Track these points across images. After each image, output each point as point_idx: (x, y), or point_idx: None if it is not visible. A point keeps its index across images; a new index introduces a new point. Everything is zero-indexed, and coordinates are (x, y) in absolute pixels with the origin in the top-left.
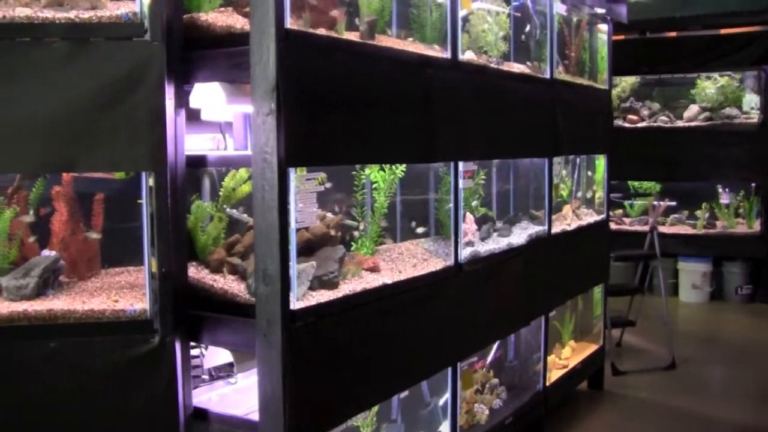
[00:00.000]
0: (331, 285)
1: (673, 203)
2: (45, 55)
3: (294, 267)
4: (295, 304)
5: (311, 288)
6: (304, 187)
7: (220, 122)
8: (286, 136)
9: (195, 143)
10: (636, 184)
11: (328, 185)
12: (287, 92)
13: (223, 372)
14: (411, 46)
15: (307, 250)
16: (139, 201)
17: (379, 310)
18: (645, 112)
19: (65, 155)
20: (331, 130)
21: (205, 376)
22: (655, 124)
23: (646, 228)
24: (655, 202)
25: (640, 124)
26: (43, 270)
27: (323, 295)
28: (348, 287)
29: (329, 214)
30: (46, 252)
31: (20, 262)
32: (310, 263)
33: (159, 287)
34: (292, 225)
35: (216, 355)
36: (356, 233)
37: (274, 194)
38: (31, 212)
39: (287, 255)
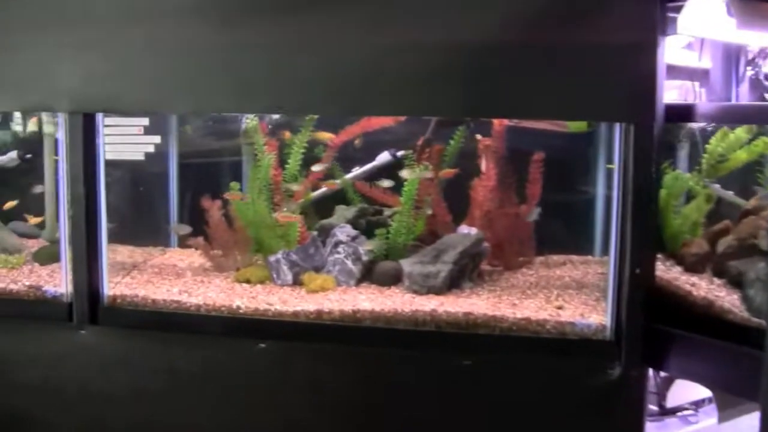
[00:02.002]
0: None
1: None
2: None
3: None
4: None
5: None
6: None
7: (689, 67)
8: None
9: None
10: None
11: None
12: None
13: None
14: None
15: None
16: (610, 166)
17: None
18: None
19: (508, 96)
20: None
21: (653, 406)
22: None
23: None
24: None
25: None
26: (461, 254)
27: None
28: None
29: None
30: (463, 228)
31: (427, 239)
32: None
33: (628, 294)
34: None
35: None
36: None
37: None
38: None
39: None
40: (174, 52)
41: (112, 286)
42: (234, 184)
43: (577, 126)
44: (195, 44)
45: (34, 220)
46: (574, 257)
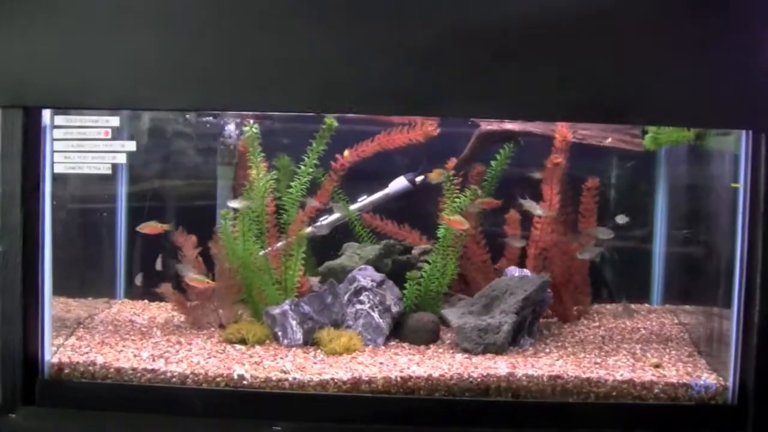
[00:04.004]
0: None
1: None
2: None
3: None
4: None
5: None
6: None
7: None
8: None
9: None
10: None
11: None
12: None
13: None
14: None
15: None
16: (735, 185)
17: None
18: None
19: (620, 96)
20: None
21: None
22: None
23: None
24: None
25: None
26: (523, 302)
27: None
28: None
29: None
30: (513, 270)
31: (456, 286)
32: None
33: (758, 346)
34: None
35: None
36: None
37: None
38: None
39: None
40: (160, 26)
41: (54, 351)
42: (224, 212)
43: (665, 140)
44: (190, 16)
45: None
46: (633, 306)
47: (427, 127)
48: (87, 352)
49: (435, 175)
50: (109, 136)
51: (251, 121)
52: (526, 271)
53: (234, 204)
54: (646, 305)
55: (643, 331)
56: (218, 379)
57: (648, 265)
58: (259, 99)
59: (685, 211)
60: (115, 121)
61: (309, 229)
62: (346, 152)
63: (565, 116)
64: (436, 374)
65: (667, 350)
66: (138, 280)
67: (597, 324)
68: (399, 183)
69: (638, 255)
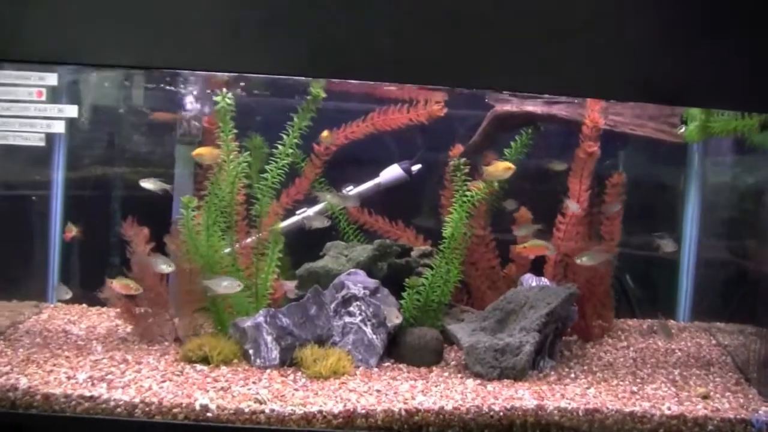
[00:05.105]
0: None
1: None
2: None
3: None
4: None
5: None
6: None
7: None
8: None
9: None
10: None
11: None
12: None
13: None
14: None
15: None
16: None
17: None
18: None
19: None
20: None
21: None
22: None
23: None
24: None
25: None
26: (548, 317)
27: None
28: None
29: None
30: (529, 279)
31: (457, 296)
32: None
33: None
34: None
35: None
36: None
37: None
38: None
39: None
40: None
41: None
42: (188, 199)
43: (721, 129)
44: None
45: None
46: (667, 322)
47: (432, 107)
48: (7, 373)
49: (500, 170)
50: (44, 98)
51: (224, 90)
52: (545, 280)
53: (147, 184)
54: (673, 322)
55: (679, 354)
56: (175, 411)
57: (674, 277)
58: (231, 57)
59: (728, 214)
60: (51, 78)
61: (293, 219)
62: (326, 133)
63: (624, 96)
64: (448, 406)
65: (711, 377)
66: (61, 292)
67: (624, 344)
68: (392, 172)
69: (662, 265)
